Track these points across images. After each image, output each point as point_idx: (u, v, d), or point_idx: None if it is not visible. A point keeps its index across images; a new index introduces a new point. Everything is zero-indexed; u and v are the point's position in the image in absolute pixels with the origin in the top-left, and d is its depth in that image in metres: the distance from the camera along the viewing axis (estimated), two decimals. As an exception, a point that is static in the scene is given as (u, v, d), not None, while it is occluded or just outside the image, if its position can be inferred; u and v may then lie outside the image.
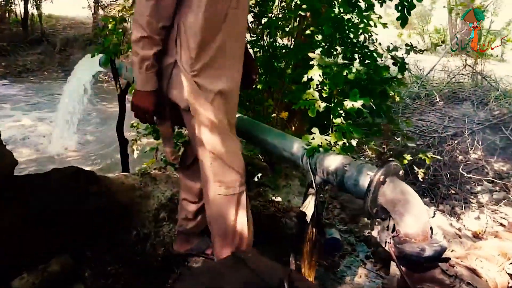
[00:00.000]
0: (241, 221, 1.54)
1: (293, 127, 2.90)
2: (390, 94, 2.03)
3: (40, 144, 4.93)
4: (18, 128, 5.36)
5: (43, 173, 1.88)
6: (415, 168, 2.73)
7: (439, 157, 3.17)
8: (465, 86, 4.89)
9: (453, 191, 3.18)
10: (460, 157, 3.70)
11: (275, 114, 2.59)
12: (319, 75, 1.58)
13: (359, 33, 1.78)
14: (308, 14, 2.43)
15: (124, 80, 2.98)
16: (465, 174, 3.16)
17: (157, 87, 1.42)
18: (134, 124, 2.46)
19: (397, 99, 2.06)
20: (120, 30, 2.27)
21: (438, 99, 4.65)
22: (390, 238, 1.40)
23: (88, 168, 4.43)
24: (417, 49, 2.08)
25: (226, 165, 1.48)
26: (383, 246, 1.43)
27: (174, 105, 1.49)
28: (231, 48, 1.45)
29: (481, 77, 4.93)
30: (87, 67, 3.54)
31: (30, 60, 8.46)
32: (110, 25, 2.24)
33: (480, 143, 3.77)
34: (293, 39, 2.59)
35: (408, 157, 2.14)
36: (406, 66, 2.04)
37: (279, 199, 2.53)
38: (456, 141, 3.70)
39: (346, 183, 1.54)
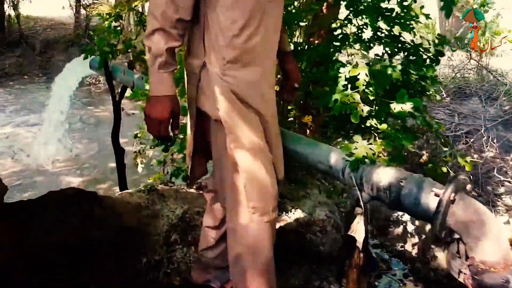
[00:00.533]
0: (272, 251, 1.35)
1: (307, 131, 2.67)
2: (429, 93, 1.82)
3: (24, 154, 4.57)
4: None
5: (38, 197, 1.60)
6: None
7: (478, 160, 2.98)
8: (471, 81, 4.74)
9: (476, 193, 2.99)
10: (475, 155, 3.53)
11: (291, 118, 2.34)
12: (366, 74, 1.35)
13: (405, 26, 1.56)
14: (325, 7, 2.20)
15: (117, 82, 2.70)
16: (501, 178, 2.97)
17: (174, 92, 1.19)
18: (139, 135, 2.18)
19: (438, 97, 1.86)
20: (118, 28, 1.99)
21: (444, 95, 4.48)
22: (466, 268, 1.19)
23: (80, 179, 4.10)
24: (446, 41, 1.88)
25: (260, 188, 1.27)
26: (456, 276, 1.21)
27: (201, 117, 1.28)
28: (265, 47, 1.25)
29: (487, 71, 4.79)
30: (76, 70, 3.26)
31: (9, 64, 8.02)
32: (106, 23, 1.96)
33: (495, 140, 3.60)
34: (309, 36, 2.34)
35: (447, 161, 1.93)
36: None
37: (299, 211, 2.29)
38: (471, 140, 3.53)
39: (404, 201, 1.31)
